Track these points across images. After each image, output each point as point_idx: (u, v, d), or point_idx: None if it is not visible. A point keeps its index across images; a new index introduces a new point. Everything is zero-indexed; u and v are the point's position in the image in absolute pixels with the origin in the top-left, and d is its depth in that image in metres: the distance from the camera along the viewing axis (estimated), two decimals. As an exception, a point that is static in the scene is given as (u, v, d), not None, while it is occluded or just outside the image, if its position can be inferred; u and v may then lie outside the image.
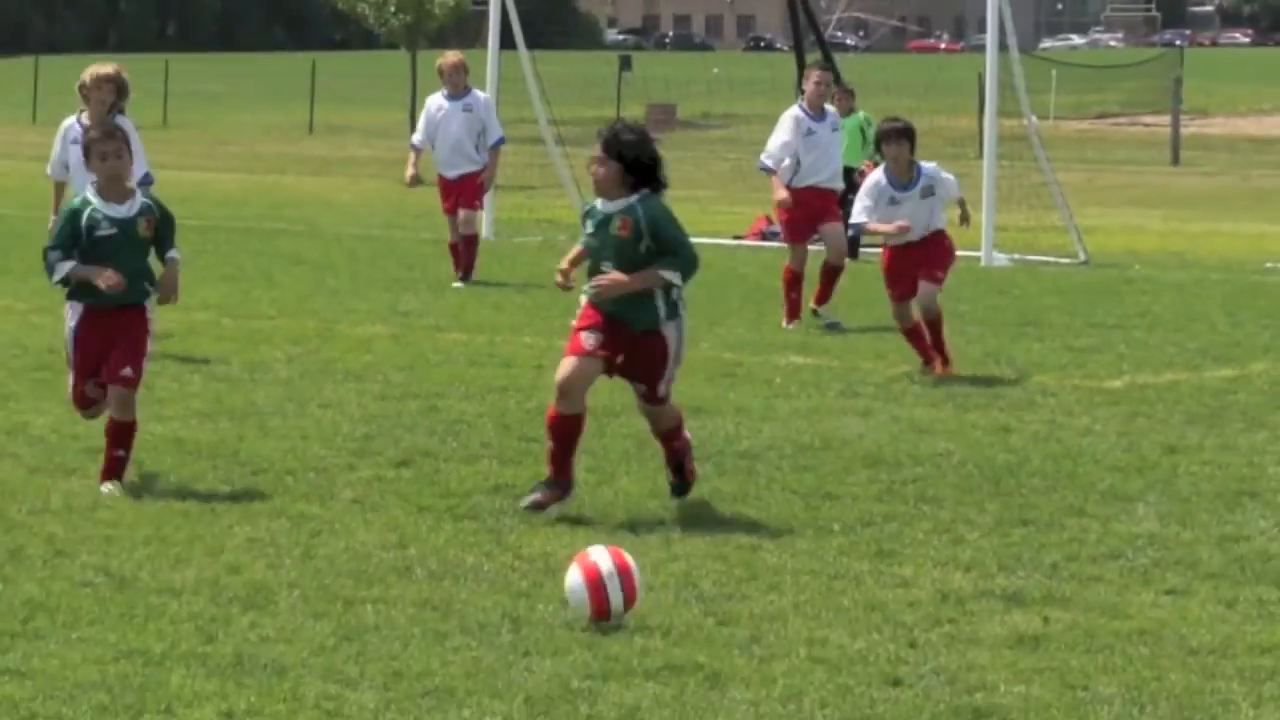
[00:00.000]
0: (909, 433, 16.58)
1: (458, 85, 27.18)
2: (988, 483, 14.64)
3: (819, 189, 23.87)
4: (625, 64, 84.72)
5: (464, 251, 26.99)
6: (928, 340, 19.76)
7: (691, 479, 13.92)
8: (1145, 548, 12.70)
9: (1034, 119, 38.08)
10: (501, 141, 27.61)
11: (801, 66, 39.04)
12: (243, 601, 10.94)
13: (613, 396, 17.88)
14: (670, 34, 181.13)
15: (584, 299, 14.04)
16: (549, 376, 18.97)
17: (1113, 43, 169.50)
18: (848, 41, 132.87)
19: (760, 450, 15.66)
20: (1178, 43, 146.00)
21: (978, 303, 26.16)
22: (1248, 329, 24.04)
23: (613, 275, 13.79)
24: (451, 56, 27.66)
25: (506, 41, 36.53)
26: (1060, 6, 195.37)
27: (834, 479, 14.64)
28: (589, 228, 14.35)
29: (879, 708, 9.36)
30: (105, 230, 13.62)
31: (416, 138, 27.59)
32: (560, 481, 13.47)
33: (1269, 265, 32.63)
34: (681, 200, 45.64)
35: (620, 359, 13.74)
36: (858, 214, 20.24)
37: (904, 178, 19.88)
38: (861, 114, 33.43)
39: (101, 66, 20.05)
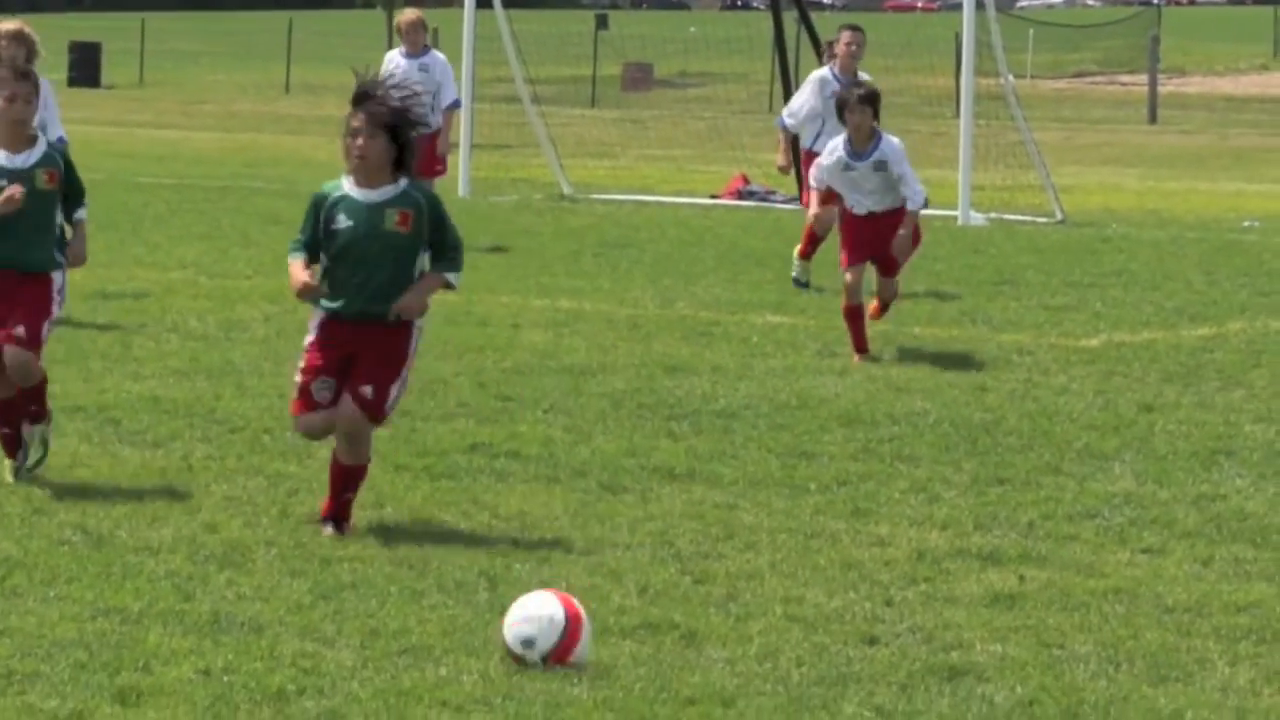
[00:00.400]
0: (885, 391, 16.60)
1: (416, 44, 26.62)
2: (964, 441, 14.66)
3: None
4: (602, 23, 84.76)
5: None
6: (864, 327, 18.69)
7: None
8: (1121, 506, 12.73)
9: (1011, 78, 38.04)
10: (457, 105, 27.13)
11: (779, 26, 39.01)
12: (220, 560, 10.93)
13: (589, 355, 17.91)
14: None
15: (313, 327, 11.94)
16: (526, 335, 19.09)
17: (1090, 1, 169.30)
18: (824, 0, 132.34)
19: (737, 409, 15.67)
20: (1155, 1, 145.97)
21: (954, 261, 26.17)
22: (1224, 287, 24.06)
23: (410, 299, 11.67)
24: (410, 14, 27.11)
25: (483, 1, 36.50)
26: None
27: (810, 438, 14.65)
28: (340, 220, 11.71)
29: (855, 666, 9.37)
30: None
31: None
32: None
33: (1246, 223, 32.64)
34: (658, 159, 46.04)
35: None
36: (814, 177, 19.58)
37: (861, 147, 18.89)
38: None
39: (6, 23, 19.96)
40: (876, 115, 19.17)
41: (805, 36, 37.84)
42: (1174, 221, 33.07)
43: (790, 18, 38.79)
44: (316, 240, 11.73)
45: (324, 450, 13.86)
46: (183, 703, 8.59)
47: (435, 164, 25.94)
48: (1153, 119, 63.11)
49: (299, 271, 11.69)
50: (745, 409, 15.68)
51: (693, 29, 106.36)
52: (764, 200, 35.76)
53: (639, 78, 75.57)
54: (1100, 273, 25.34)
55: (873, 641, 9.75)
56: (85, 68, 76.28)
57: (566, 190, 36.32)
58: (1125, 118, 63.80)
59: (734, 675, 9.19)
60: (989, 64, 34.43)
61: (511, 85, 39.48)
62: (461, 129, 36.93)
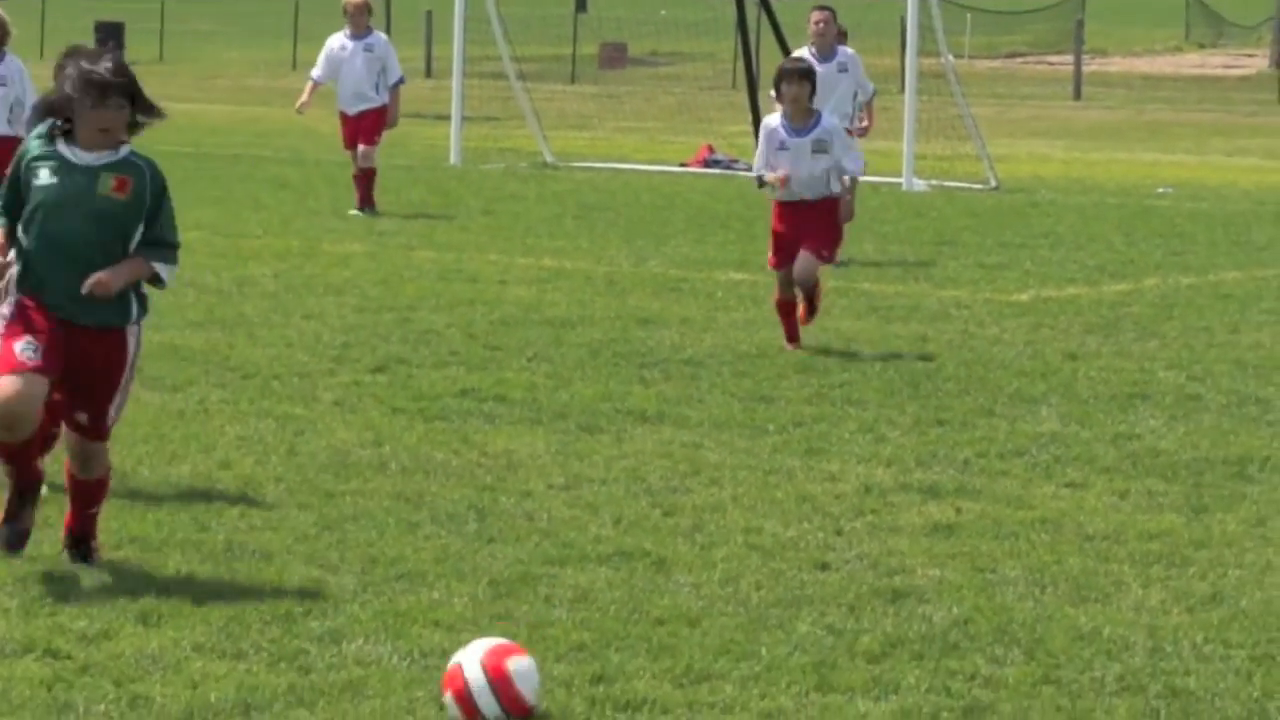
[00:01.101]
0: (837, 342, 16.58)
1: (360, 26, 25.78)
2: (907, 386, 14.65)
3: None
4: (580, 5, 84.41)
5: (362, 184, 25.65)
6: (798, 318, 16.72)
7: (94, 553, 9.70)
8: (1047, 445, 12.75)
9: (950, 58, 38.07)
10: (401, 81, 26.31)
11: (741, 10, 38.94)
12: (233, 495, 10.92)
13: (569, 308, 17.88)
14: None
15: (12, 294, 9.54)
16: (512, 291, 19.04)
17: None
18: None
19: (703, 357, 15.65)
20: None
21: (899, 224, 26.20)
22: (1141, 248, 24.09)
23: (101, 275, 9.28)
24: None
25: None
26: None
27: (769, 384, 14.64)
28: (42, 176, 9.42)
29: (808, 589, 9.37)
30: None
31: (316, 72, 26.24)
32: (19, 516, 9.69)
33: (1160, 190, 32.65)
34: (632, 131, 45.88)
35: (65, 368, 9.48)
36: (756, 164, 17.57)
37: (798, 123, 17.06)
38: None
39: None
40: (814, 92, 17.19)
41: (766, 20, 37.81)
42: (1096, 188, 33.06)
43: (751, 2, 38.68)
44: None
45: (328, 394, 13.89)
46: (199, 623, 8.58)
47: (373, 134, 25.42)
48: (1078, 95, 63.09)
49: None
50: (710, 358, 15.66)
51: (663, 12, 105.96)
52: (728, 168, 35.70)
53: (614, 56, 75.34)
54: (1030, 234, 25.35)
55: (824, 567, 9.76)
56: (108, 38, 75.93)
57: (549, 159, 36.26)
58: (1053, 94, 63.73)
59: (699, 598, 9.19)
60: (930, 45, 34.40)
61: (499, 63, 39.31)
62: (454, 103, 36.91)
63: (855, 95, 22.89)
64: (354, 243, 22.81)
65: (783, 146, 17.00)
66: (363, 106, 25.43)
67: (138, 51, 79.74)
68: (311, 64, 27.33)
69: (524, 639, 8.41)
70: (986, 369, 15.47)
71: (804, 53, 22.07)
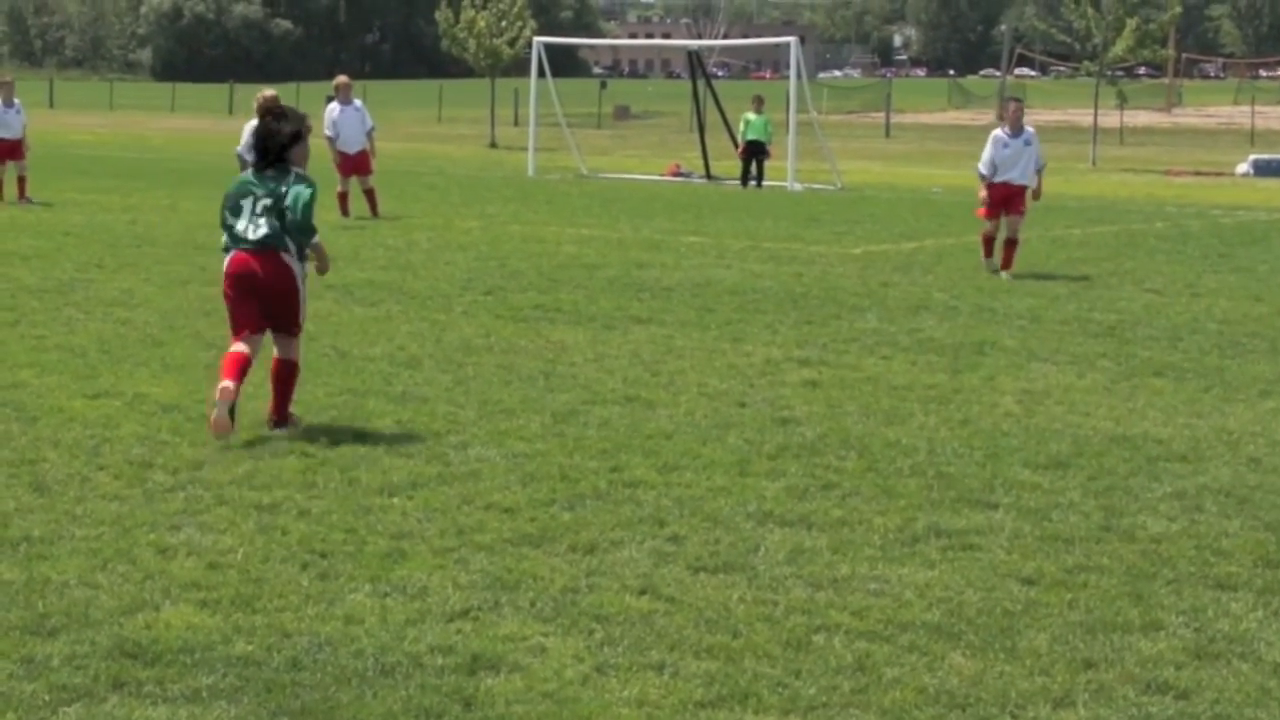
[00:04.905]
0: (750, 277, 16.55)
1: (348, 97, 22.75)
2: (790, 302, 14.63)
3: (1010, 184, 17.58)
4: (603, 84, 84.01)
5: (371, 199, 22.44)
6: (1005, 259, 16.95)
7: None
8: (870, 335, 12.73)
9: (815, 113, 37.87)
10: (373, 129, 22.82)
11: (695, 87, 38.62)
12: (405, 364, 10.91)
13: (597, 257, 17.80)
14: (625, 69, 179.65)
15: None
16: (564, 248, 18.97)
17: (855, 74, 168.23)
18: (719, 73, 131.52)
19: (673, 286, 15.62)
20: (887, 75, 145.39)
21: (786, 210, 26.11)
22: (923, 222, 24.03)
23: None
24: (343, 79, 23.17)
25: (541, 72, 36.30)
26: (828, 56, 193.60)
27: (712, 301, 14.62)
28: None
29: (734, 418, 9.36)
30: None
31: (328, 132, 22.61)
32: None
33: (935, 189, 32.54)
34: (632, 156, 45.61)
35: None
36: (983, 161, 17.32)
37: (1014, 131, 17.25)
38: (767, 115, 33.01)
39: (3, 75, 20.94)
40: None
41: (708, 91, 37.63)
42: (898, 188, 32.93)
43: (700, 81, 38.51)
44: None
45: (458, 307, 13.85)
46: (383, 437, 8.55)
47: (367, 169, 22.51)
48: (888, 135, 62.79)
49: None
50: (678, 286, 15.63)
51: (650, 88, 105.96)
52: (688, 178, 35.61)
53: (622, 113, 75.11)
54: (861, 214, 25.27)
55: (743, 405, 9.77)
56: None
57: (584, 172, 36.12)
58: (873, 135, 63.43)
59: (671, 423, 9.19)
60: (804, 106, 34.25)
61: (556, 116, 39.19)
62: (530, 140, 36.74)
63: (1035, 163, 17.84)
64: (473, 220, 22.72)
65: (1006, 145, 17.29)
66: (356, 148, 22.62)
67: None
68: (448, 120, 26.84)
69: (569, 448, 8.43)
70: (835, 292, 15.44)
71: (1000, 132, 17.65)
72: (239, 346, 8.61)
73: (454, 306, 13.88)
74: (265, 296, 8.62)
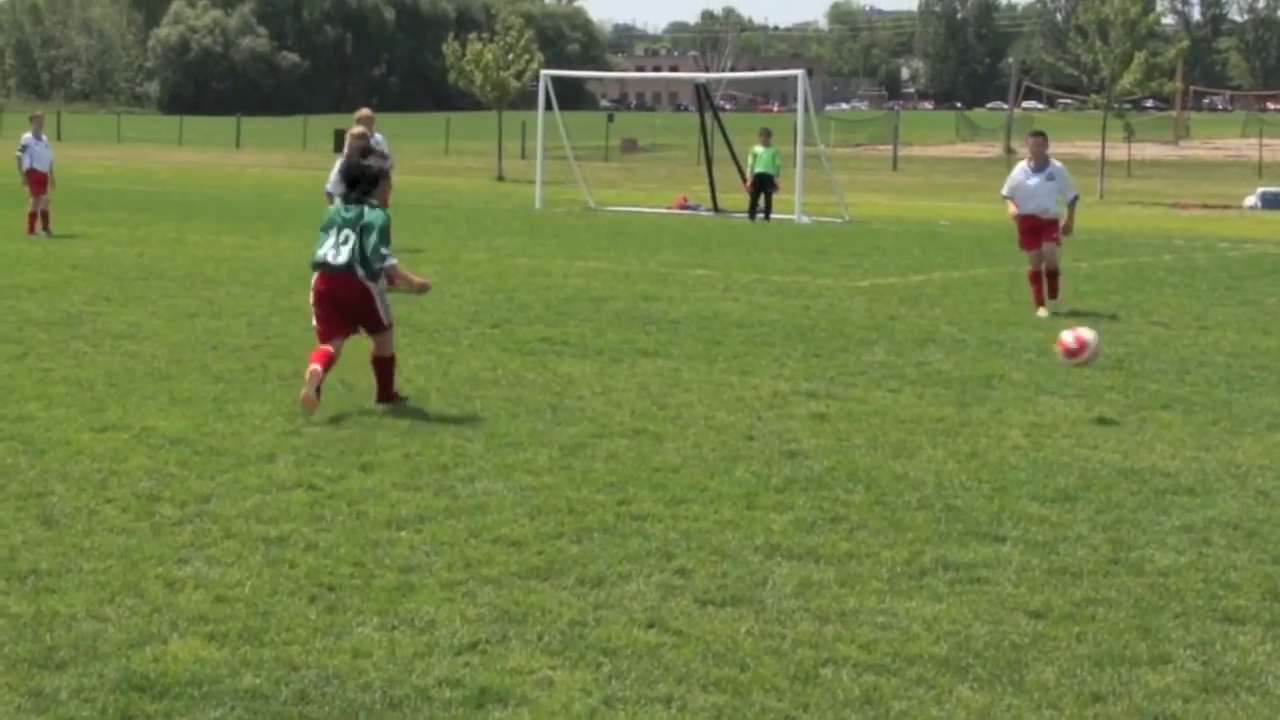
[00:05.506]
0: (757, 310, 16.59)
1: (370, 132, 21.81)
2: (797, 334, 14.67)
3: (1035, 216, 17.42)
4: (610, 118, 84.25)
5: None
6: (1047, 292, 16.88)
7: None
8: (878, 368, 12.75)
9: (823, 146, 38.01)
10: (391, 164, 23.07)
11: (702, 119, 38.77)
12: (412, 396, 10.92)
13: (604, 290, 17.81)
14: (633, 102, 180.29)
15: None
16: (571, 280, 19.01)
17: (862, 107, 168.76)
18: (726, 106, 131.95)
19: (680, 319, 15.65)
20: (895, 108, 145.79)
21: (791, 243, 26.17)
22: (931, 255, 24.09)
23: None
24: (366, 112, 22.58)
25: (548, 105, 36.46)
26: (835, 88, 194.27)
27: (720, 334, 14.65)
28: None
29: (741, 451, 9.37)
30: None
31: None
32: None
33: (942, 223, 32.63)
34: (639, 189, 45.67)
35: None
36: (1006, 189, 17.37)
37: (1036, 164, 17.19)
38: (774, 147, 33.21)
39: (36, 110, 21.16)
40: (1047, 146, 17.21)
41: (715, 125, 37.79)
42: (905, 221, 33.02)
43: (707, 113, 38.64)
44: None
45: (465, 339, 13.87)
46: (394, 469, 8.59)
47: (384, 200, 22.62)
48: (895, 168, 62.93)
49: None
50: (685, 319, 15.67)
51: (658, 121, 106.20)
52: (695, 210, 35.73)
53: (630, 146, 75.28)
54: (868, 247, 25.34)
55: (750, 438, 9.78)
56: (342, 143, 75.47)
57: (592, 205, 36.26)
58: (880, 167, 63.59)
59: (678, 455, 9.21)
60: (811, 139, 34.39)
61: (563, 150, 39.34)
62: (538, 173, 36.90)
63: (1061, 195, 17.57)
64: (480, 253, 22.80)
65: (1029, 177, 17.26)
66: None
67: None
68: (456, 152, 26.96)
69: (577, 481, 8.44)
70: (843, 325, 15.48)
71: (1023, 165, 17.57)
72: (324, 347, 10.19)
73: (461, 339, 13.91)
74: (347, 310, 10.28)
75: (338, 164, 16.73)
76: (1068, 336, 11.50)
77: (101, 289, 17.13)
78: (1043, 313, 16.68)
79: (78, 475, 8.34)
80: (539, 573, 6.73)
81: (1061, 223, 17.49)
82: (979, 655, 5.79)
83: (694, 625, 6.06)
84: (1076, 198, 17.65)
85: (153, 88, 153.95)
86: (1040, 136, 17.93)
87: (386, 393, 10.44)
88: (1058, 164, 17.50)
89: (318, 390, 9.89)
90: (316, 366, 9.91)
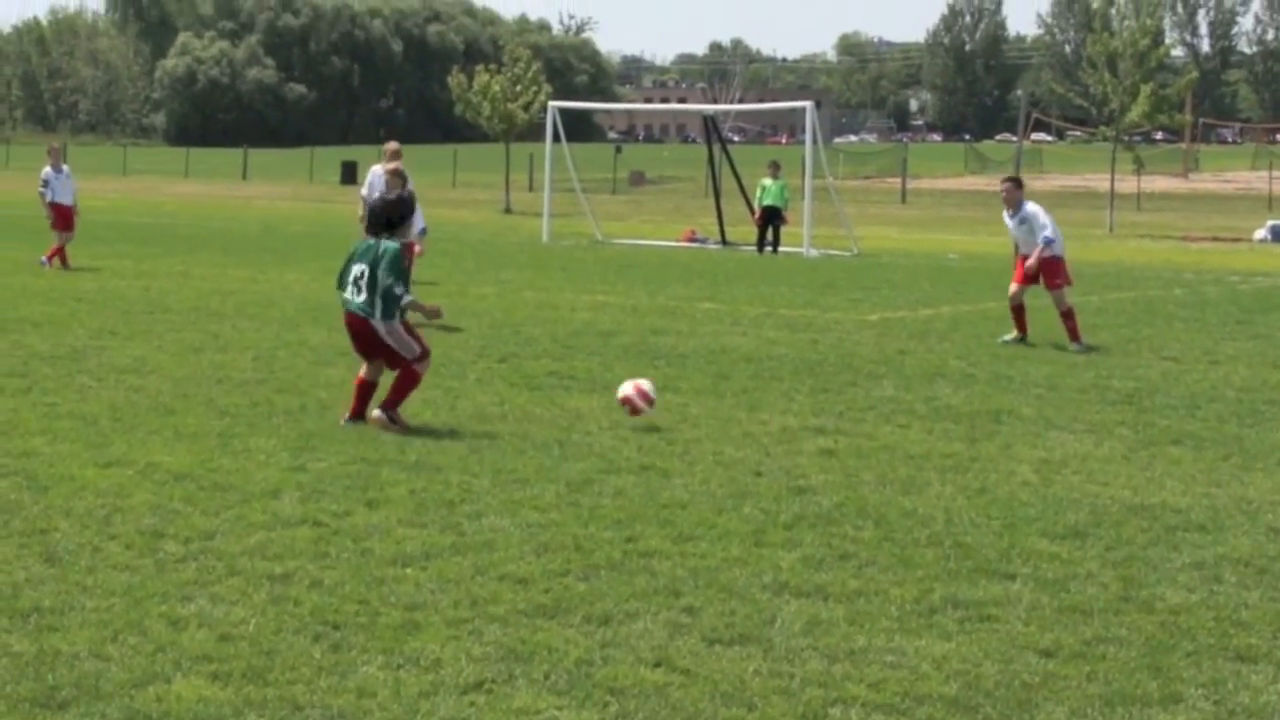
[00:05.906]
0: (766, 344, 16.60)
1: (398, 160, 21.31)
2: (805, 369, 14.66)
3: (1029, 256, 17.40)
4: (618, 150, 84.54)
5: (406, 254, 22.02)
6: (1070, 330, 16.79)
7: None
8: (886, 403, 12.74)
9: (831, 179, 38.08)
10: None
11: (710, 151, 38.88)
12: (420, 431, 10.90)
13: (612, 324, 17.82)
14: (641, 134, 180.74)
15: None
16: (578, 314, 19.01)
17: (871, 139, 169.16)
18: (735, 138, 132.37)
19: (688, 353, 15.66)
20: (904, 140, 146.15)
21: (802, 276, 26.18)
22: (940, 289, 24.11)
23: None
24: (394, 145, 21.97)
25: (556, 137, 36.54)
26: (844, 120, 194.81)
27: (728, 368, 14.65)
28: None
29: (749, 487, 9.36)
30: None
31: (363, 191, 22.38)
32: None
33: (951, 256, 32.65)
34: (647, 222, 45.82)
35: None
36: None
37: (1010, 209, 17.49)
38: (783, 180, 33.31)
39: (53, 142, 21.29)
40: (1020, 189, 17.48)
41: (723, 156, 37.87)
42: (914, 254, 33.05)
43: (717, 149, 38.75)
44: None
45: (472, 374, 13.86)
46: (400, 506, 8.58)
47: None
48: (904, 201, 63.02)
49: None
50: (693, 353, 15.67)
51: (666, 153, 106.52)
52: (703, 244, 35.79)
53: (638, 178, 75.45)
54: (877, 281, 25.36)
55: (759, 474, 9.76)
56: (348, 175, 75.92)
57: (599, 238, 36.32)
58: (890, 200, 63.69)
59: (686, 491, 9.19)
60: (820, 172, 34.44)
61: (571, 183, 39.41)
62: (545, 205, 37.01)
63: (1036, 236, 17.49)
64: (487, 286, 22.83)
65: (1009, 222, 17.66)
66: None
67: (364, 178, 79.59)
68: (464, 184, 26.93)
69: (584, 518, 8.43)
70: (851, 358, 15.47)
71: (1005, 212, 17.81)
72: (361, 372, 11.15)
73: (468, 374, 13.90)
74: (365, 347, 10.97)
75: (368, 194, 17.70)
76: (630, 390, 11.43)
77: (107, 323, 17.16)
78: (1007, 338, 17.10)
79: (81, 511, 8.34)
80: (545, 611, 6.71)
81: (1056, 258, 17.29)
82: (989, 695, 5.77)
83: (702, 664, 6.04)
84: (1048, 241, 17.21)
85: (159, 119, 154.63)
86: (1010, 182, 17.80)
87: (392, 401, 10.85)
88: (1031, 207, 17.37)
89: (393, 421, 10.75)
90: (372, 413, 10.82)
